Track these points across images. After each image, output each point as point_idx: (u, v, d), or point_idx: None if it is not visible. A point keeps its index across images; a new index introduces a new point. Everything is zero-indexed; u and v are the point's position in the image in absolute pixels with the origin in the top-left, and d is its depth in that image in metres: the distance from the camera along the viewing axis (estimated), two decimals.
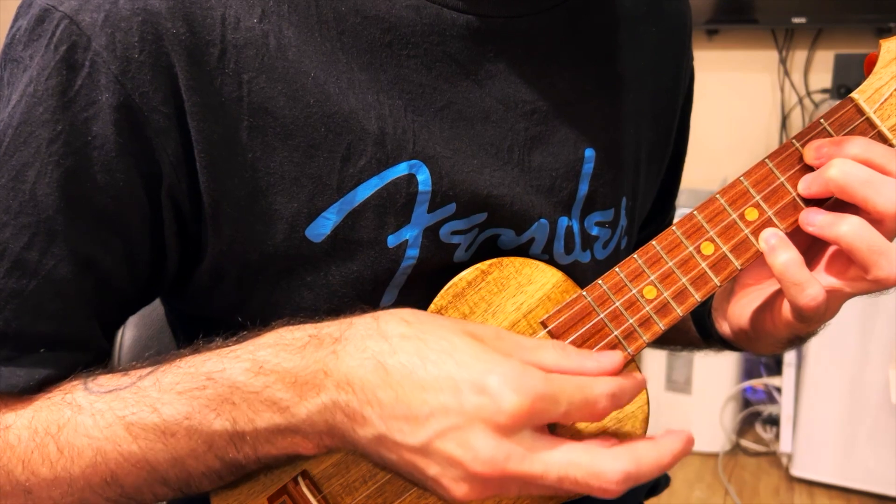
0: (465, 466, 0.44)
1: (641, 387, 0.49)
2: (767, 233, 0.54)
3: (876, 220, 0.52)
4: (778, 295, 0.58)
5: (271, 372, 0.48)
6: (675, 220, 0.58)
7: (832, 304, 0.54)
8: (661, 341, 0.78)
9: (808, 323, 0.56)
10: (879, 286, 0.53)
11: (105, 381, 0.51)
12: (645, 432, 0.58)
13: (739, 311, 0.63)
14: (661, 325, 0.55)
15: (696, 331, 0.73)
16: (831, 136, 0.55)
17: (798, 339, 0.61)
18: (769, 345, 0.62)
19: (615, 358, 0.49)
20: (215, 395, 0.49)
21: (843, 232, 0.52)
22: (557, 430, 0.55)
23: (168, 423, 0.49)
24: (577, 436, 0.55)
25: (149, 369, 0.51)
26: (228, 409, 0.48)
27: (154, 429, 0.49)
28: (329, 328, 0.49)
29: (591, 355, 0.49)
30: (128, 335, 0.85)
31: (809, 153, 0.54)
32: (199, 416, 0.49)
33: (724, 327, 0.67)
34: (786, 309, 0.56)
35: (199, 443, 0.49)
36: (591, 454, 0.45)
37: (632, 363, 0.56)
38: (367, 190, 0.53)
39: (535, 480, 0.45)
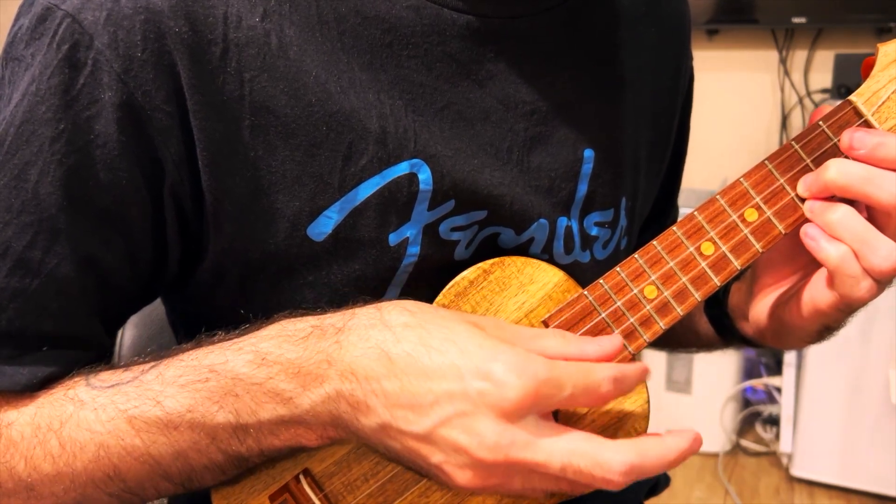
0: (469, 453, 0.44)
1: (644, 373, 0.49)
2: (812, 229, 0.54)
3: (885, 214, 0.52)
4: (802, 290, 0.58)
5: (274, 363, 0.48)
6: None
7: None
8: (668, 342, 0.78)
9: (851, 313, 0.56)
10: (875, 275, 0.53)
11: (107, 376, 0.51)
12: (646, 431, 0.58)
13: (762, 311, 0.63)
14: (661, 325, 0.55)
15: (712, 330, 0.73)
16: (830, 138, 0.55)
17: (828, 330, 0.60)
18: (799, 339, 0.62)
19: (615, 341, 0.50)
20: (218, 388, 0.49)
21: (831, 219, 0.53)
22: (560, 421, 0.55)
23: (171, 416, 0.49)
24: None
25: (151, 363, 0.51)
26: (231, 402, 0.48)
27: (157, 422, 0.49)
28: (332, 319, 0.49)
29: (591, 340, 0.50)
30: (128, 334, 0.85)
31: (800, 188, 0.55)
32: (201, 409, 0.49)
33: (746, 328, 0.68)
34: (818, 301, 0.56)
35: (202, 436, 0.49)
36: (596, 444, 0.45)
37: (632, 362, 0.57)
38: (368, 189, 0.54)
39: (539, 468, 0.45)
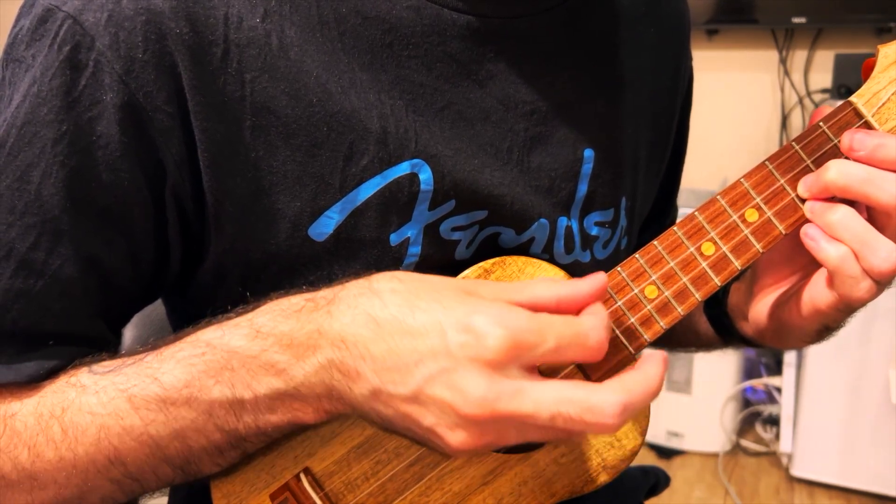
0: (456, 410, 0.44)
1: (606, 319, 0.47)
2: (812, 229, 0.54)
3: (885, 215, 0.53)
4: (802, 289, 0.58)
5: (268, 335, 0.48)
6: (677, 221, 0.59)
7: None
8: (668, 341, 0.78)
9: (850, 313, 0.57)
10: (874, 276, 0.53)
11: (109, 362, 0.51)
12: (646, 429, 0.58)
13: (762, 311, 0.63)
14: (662, 325, 0.55)
15: (712, 330, 0.73)
16: (831, 139, 0.55)
17: (827, 330, 0.60)
18: (798, 339, 0.62)
19: (601, 276, 0.48)
20: (214, 361, 0.49)
21: (832, 220, 0.53)
22: None
23: (168, 392, 0.49)
24: None
25: (152, 347, 0.51)
26: (227, 376, 0.49)
27: (155, 398, 0.49)
28: (324, 292, 0.49)
29: (581, 279, 0.48)
30: (128, 335, 0.85)
31: (801, 188, 0.55)
32: (198, 384, 0.49)
33: (745, 327, 0.68)
34: (818, 301, 0.56)
35: (200, 412, 0.49)
36: (585, 389, 0.44)
37: (634, 362, 0.57)
38: (369, 189, 0.54)
39: (528, 419, 0.44)
